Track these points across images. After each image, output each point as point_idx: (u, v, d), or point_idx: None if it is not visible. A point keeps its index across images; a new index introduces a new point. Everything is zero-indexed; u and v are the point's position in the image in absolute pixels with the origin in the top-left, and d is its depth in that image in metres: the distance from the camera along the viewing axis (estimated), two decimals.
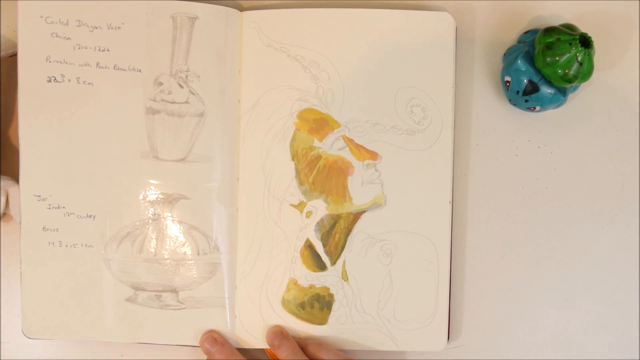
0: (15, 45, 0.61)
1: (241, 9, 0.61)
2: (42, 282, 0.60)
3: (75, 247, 0.59)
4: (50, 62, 0.58)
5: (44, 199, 0.59)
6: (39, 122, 0.59)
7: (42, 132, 0.59)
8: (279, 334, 0.60)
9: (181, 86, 0.59)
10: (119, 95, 0.59)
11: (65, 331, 0.60)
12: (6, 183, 0.58)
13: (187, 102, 0.59)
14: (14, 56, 0.61)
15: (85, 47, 0.58)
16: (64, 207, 0.59)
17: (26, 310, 0.60)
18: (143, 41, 0.59)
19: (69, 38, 0.58)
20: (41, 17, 0.58)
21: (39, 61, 0.58)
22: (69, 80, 0.59)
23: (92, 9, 0.58)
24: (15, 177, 0.60)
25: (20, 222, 0.59)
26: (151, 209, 0.60)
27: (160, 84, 0.59)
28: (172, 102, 0.59)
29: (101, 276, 0.60)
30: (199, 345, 0.60)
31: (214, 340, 0.60)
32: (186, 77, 0.59)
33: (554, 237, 0.62)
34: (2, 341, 0.62)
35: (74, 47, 0.58)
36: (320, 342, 0.60)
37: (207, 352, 0.60)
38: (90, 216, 0.59)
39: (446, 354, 0.62)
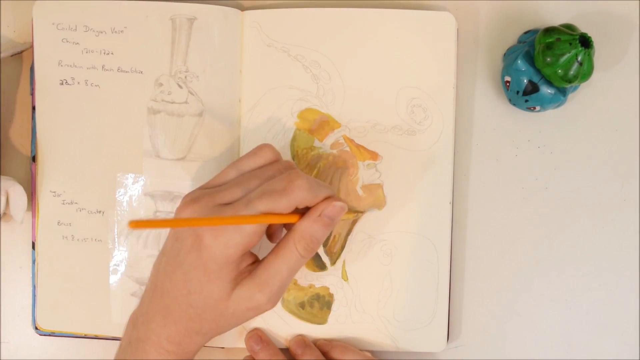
0: (15, 45, 0.61)
1: (242, 8, 0.61)
2: (56, 275, 0.61)
3: (86, 241, 0.61)
4: (62, 66, 0.60)
5: (58, 195, 0.61)
6: (54, 123, 0.61)
7: (57, 132, 0.61)
8: (302, 343, 0.60)
9: (180, 86, 0.60)
10: (123, 96, 0.60)
11: (75, 324, 0.61)
12: (6, 183, 0.58)
13: (186, 102, 0.60)
14: (14, 55, 0.61)
15: (92, 51, 0.60)
16: (76, 203, 0.61)
17: (41, 302, 0.61)
18: (144, 43, 0.60)
19: (77, 43, 0.60)
20: (53, 23, 0.60)
21: (52, 65, 0.60)
22: (79, 82, 0.60)
23: (98, 14, 0.60)
24: (17, 177, 0.60)
25: (21, 222, 0.59)
26: (154, 207, 0.60)
27: (161, 84, 0.60)
28: (172, 102, 0.60)
29: (109, 270, 0.61)
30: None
31: (259, 338, 0.60)
32: (185, 77, 0.60)
33: (554, 237, 0.62)
34: (2, 341, 0.63)
35: (82, 52, 0.60)
36: (345, 345, 0.59)
37: (251, 350, 0.60)
38: (100, 211, 0.61)
39: (446, 354, 0.62)
